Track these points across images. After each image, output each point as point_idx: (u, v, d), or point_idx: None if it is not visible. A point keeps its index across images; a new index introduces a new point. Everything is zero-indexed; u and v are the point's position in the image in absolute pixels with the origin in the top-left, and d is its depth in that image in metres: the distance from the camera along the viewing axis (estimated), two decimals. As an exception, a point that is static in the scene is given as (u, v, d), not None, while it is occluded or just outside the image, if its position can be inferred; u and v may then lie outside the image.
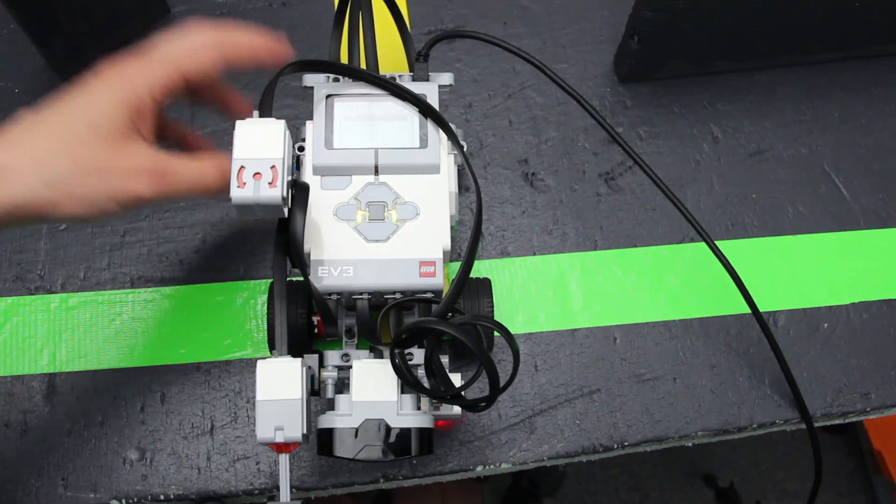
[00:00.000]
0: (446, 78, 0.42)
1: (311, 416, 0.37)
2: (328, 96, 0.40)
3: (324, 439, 0.36)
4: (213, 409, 0.45)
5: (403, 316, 0.40)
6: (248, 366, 0.46)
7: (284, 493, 0.34)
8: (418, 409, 0.37)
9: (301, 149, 0.39)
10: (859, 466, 1.21)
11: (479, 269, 0.49)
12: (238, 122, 0.35)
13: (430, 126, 0.39)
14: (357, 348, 0.40)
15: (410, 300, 0.38)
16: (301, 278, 0.37)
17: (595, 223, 0.51)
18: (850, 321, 0.49)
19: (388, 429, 0.36)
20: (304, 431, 0.34)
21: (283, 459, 0.35)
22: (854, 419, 0.49)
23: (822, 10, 0.51)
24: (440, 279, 0.37)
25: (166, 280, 0.48)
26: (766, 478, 1.20)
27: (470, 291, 0.42)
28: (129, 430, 0.44)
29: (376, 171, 0.39)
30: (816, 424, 0.47)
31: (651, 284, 0.49)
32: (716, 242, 0.43)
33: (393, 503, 0.83)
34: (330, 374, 0.38)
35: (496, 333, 0.43)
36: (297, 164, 0.39)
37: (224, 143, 0.51)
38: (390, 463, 0.44)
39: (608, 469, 1.19)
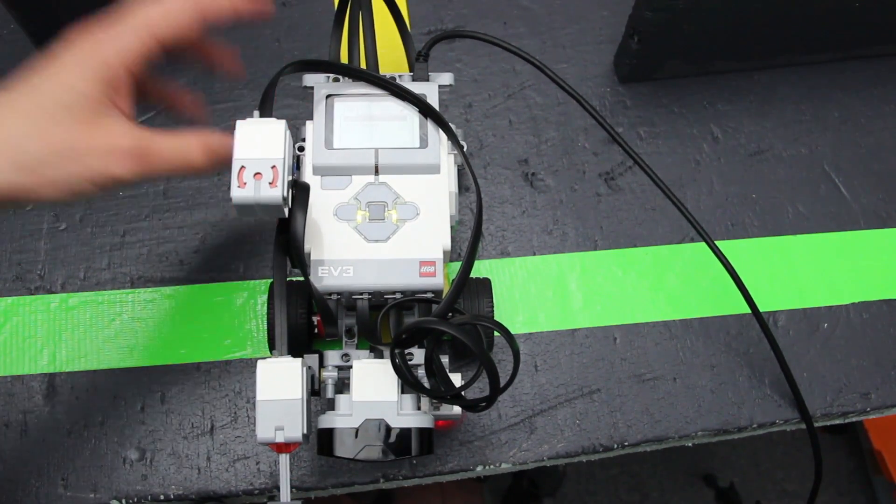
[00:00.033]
0: (446, 78, 0.42)
1: (311, 416, 0.37)
2: (328, 96, 0.40)
3: (324, 439, 0.36)
4: (213, 409, 0.45)
5: (403, 316, 0.40)
6: (248, 366, 0.46)
7: (284, 493, 0.34)
8: (418, 409, 0.37)
9: (301, 149, 0.39)
10: (859, 466, 1.21)
11: (479, 269, 0.49)
12: (238, 123, 0.35)
13: (430, 126, 0.39)
14: (357, 348, 0.40)
15: (410, 300, 0.38)
16: (301, 278, 0.37)
17: (595, 223, 0.51)
18: (850, 321, 0.49)
19: (389, 429, 0.36)
20: (305, 431, 0.34)
21: (284, 459, 0.35)
22: (854, 419, 0.49)
23: (822, 10, 0.51)
24: (440, 279, 0.37)
25: (166, 280, 0.48)
26: (766, 478, 1.20)
27: (470, 291, 0.42)
28: (129, 430, 0.44)
29: (376, 171, 0.39)
30: (816, 424, 0.47)
31: (651, 284, 0.49)
32: (716, 242, 0.43)
33: (393, 503, 0.83)
34: (330, 374, 0.38)
35: (496, 333, 0.43)
36: (297, 164, 0.39)
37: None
38: (390, 463, 0.44)
39: (608, 469, 1.19)
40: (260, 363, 0.34)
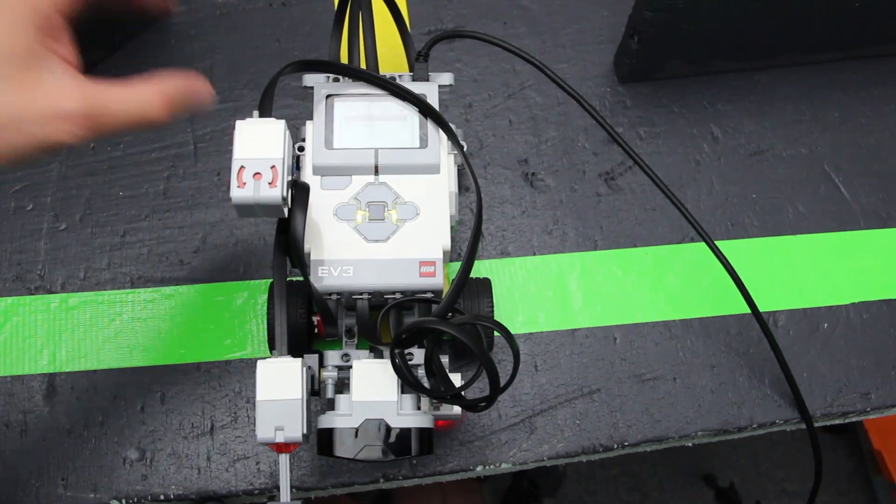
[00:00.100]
0: (446, 78, 0.42)
1: (311, 416, 0.37)
2: (328, 96, 0.40)
3: (324, 439, 0.36)
4: (213, 409, 0.45)
5: (403, 316, 0.40)
6: (248, 366, 0.46)
7: (284, 493, 0.34)
8: (418, 409, 0.37)
9: (301, 149, 0.39)
10: (859, 466, 1.21)
11: (479, 269, 0.49)
12: (238, 122, 0.35)
13: (430, 126, 0.39)
14: (357, 348, 0.40)
15: (410, 300, 0.38)
16: (301, 278, 0.37)
17: (595, 223, 0.51)
18: (850, 321, 0.49)
19: (388, 429, 0.36)
20: (304, 431, 0.34)
21: (283, 459, 0.35)
22: (854, 419, 0.49)
23: (822, 10, 0.51)
24: (440, 279, 0.37)
25: (166, 280, 0.48)
26: (766, 478, 1.20)
27: (470, 291, 0.42)
28: (129, 430, 0.44)
29: (376, 171, 0.39)
30: (816, 424, 0.47)
31: (651, 284, 0.49)
32: (716, 242, 0.43)
33: (393, 503, 0.83)
34: (330, 374, 0.38)
35: (496, 333, 0.43)
36: (297, 164, 0.39)
37: (224, 142, 0.51)
38: (390, 463, 0.44)
39: (608, 469, 1.19)
40: (260, 363, 0.34)
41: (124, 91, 0.31)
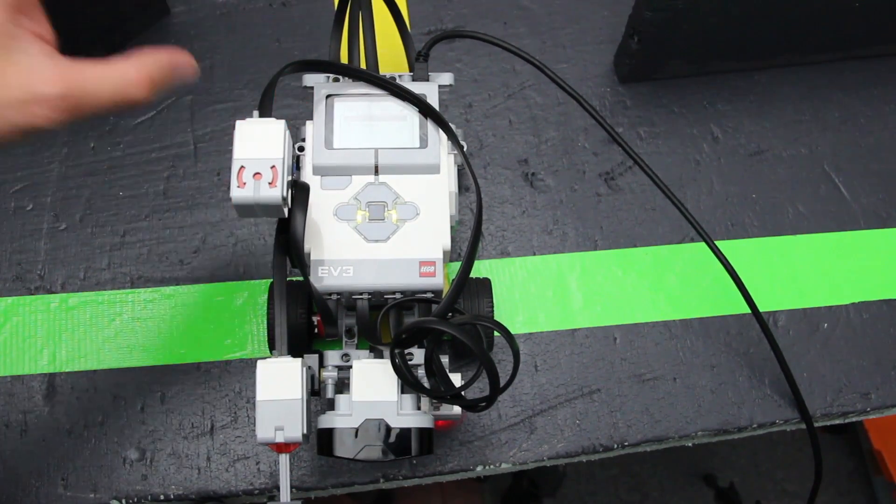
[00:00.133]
0: (446, 78, 0.42)
1: (311, 416, 0.37)
2: (328, 96, 0.40)
3: (324, 439, 0.36)
4: (213, 409, 0.45)
5: (403, 316, 0.40)
6: (248, 366, 0.46)
7: (284, 493, 0.34)
8: (418, 409, 0.37)
9: (301, 149, 0.39)
10: (859, 466, 1.21)
11: (479, 269, 0.49)
12: (238, 122, 0.35)
13: (430, 126, 0.39)
14: (357, 348, 0.40)
15: (410, 300, 0.38)
16: (301, 278, 0.37)
17: (595, 223, 0.51)
18: (850, 321, 0.49)
19: (388, 429, 0.36)
20: (304, 431, 0.34)
21: (283, 459, 0.35)
22: (854, 419, 0.49)
23: (822, 10, 0.51)
24: (440, 279, 0.37)
25: (166, 280, 0.48)
26: (766, 478, 1.20)
27: (470, 291, 0.42)
28: (129, 430, 0.44)
29: (376, 171, 0.39)
30: (816, 424, 0.47)
31: (651, 284, 0.49)
32: (716, 242, 0.43)
33: (393, 503, 0.83)
34: (330, 374, 0.38)
35: (496, 333, 0.43)
36: (297, 164, 0.39)
37: (224, 143, 0.51)
38: (390, 463, 0.44)
39: (608, 469, 1.19)
40: (260, 363, 0.34)
41: (103, 70, 0.29)
